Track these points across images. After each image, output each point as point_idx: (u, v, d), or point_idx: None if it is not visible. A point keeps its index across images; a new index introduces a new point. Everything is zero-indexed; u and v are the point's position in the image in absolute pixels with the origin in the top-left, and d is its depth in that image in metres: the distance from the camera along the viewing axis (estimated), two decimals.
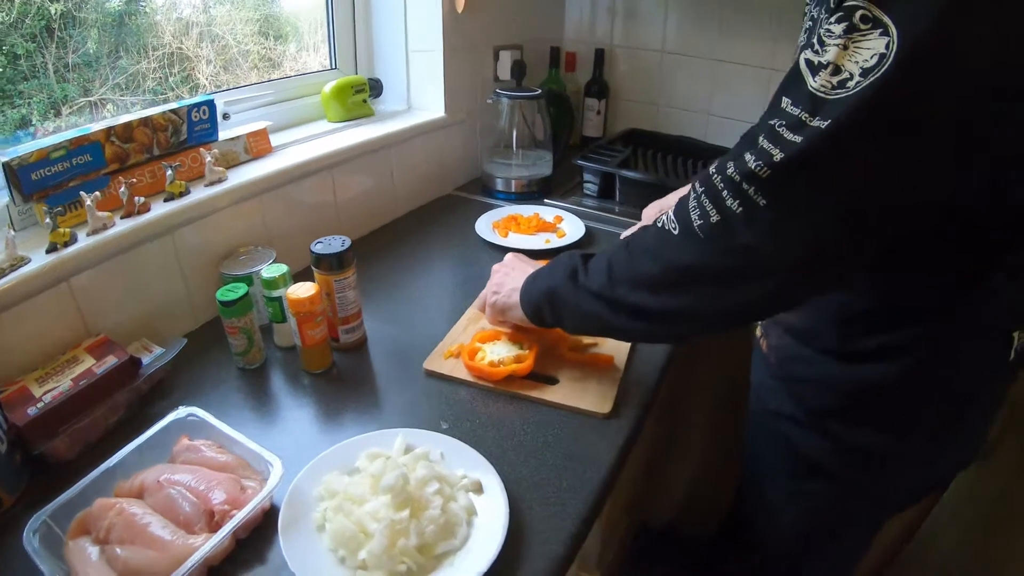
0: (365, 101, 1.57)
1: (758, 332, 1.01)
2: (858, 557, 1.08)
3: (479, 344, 1.04)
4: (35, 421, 0.79)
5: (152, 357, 0.96)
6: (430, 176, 1.71)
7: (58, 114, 1.13)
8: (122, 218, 1.00)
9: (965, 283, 0.73)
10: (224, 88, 1.39)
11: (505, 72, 1.82)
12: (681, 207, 0.72)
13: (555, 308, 0.90)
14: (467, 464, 0.81)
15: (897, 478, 0.89)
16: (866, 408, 0.84)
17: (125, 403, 0.91)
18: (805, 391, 0.90)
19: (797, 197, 0.62)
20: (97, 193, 0.96)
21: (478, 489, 0.78)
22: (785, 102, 0.62)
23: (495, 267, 1.08)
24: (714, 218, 0.66)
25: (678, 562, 1.80)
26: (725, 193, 0.65)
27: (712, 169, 0.69)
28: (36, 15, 1.05)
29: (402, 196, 1.61)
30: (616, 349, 1.06)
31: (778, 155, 0.60)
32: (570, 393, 0.97)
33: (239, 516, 0.69)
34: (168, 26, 1.27)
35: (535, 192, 1.76)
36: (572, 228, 1.53)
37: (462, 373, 1.01)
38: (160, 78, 1.28)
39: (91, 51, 1.15)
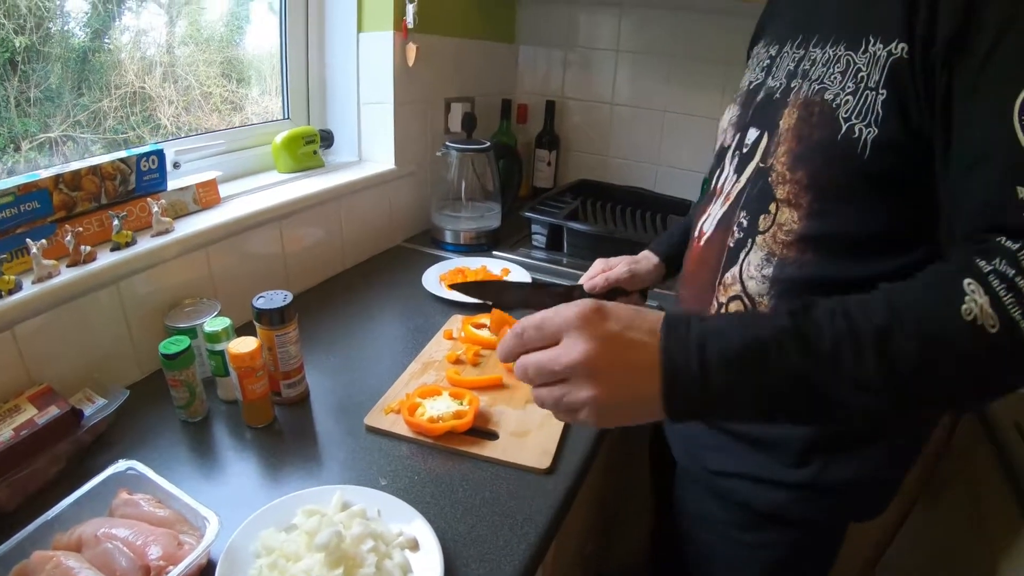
0: (316, 152, 1.59)
1: None
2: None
3: (419, 399, 1.06)
4: None
5: (94, 408, 0.96)
6: (379, 228, 1.73)
7: (17, 148, 1.12)
8: (68, 267, 1.01)
9: None
10: (174, 137, 1.40)
11: (456, 124, 1.86)
12: (992, 296, 0.52)
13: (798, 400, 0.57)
14: (404, 521, 0.82)
15: (857, 502, 0.89)
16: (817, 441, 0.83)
17: (66, 454, 0.91)
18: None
19: None
20: (44, 241, 0.97)
21: (414, 546, 0.79)
22: None
23: (522, 336, 0.61)
24: None
25: None
26: None
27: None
28: (0, 47, 1.05)
29: (351, 248, 1.63)
30: None
31: None
32: (509, 448, 0.99)
33: (174, 573, 0.70)
34: (132, 64, 1.28)
35: (483, 244, 1.79)
36: (519, 280, 1.56)
37: (402, 429, 1.02)
38: (122, 117, 1.28)
39: (53, 86, 1.16)
